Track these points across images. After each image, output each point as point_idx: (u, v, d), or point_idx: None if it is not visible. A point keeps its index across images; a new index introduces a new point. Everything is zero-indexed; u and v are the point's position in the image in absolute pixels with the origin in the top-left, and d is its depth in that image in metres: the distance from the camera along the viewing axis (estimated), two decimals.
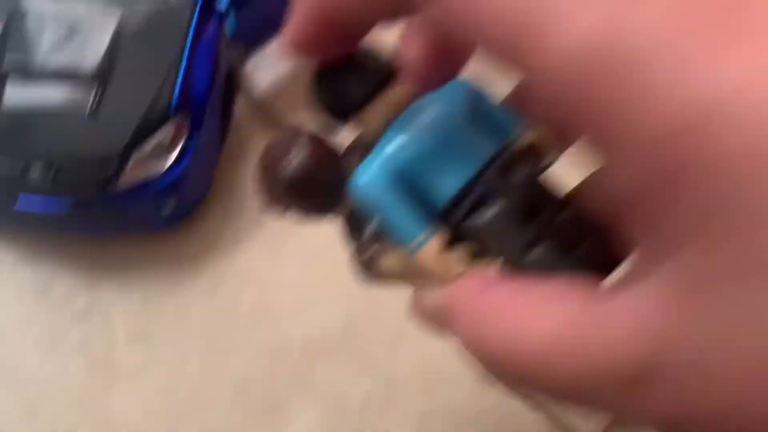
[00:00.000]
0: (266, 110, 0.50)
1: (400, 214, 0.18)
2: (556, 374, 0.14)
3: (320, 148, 0.19)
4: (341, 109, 0.19)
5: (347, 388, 0.41)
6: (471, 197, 0.17)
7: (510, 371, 0.15)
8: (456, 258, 0.17)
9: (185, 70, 0.40)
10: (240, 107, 0.50)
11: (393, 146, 0.18)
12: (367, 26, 0.17)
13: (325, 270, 0.44)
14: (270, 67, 0.51)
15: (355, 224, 0.19)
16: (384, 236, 0.19)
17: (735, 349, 0.11)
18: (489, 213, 0.17)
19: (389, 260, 0.19)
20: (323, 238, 0.44)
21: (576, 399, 0.14)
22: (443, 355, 0.41)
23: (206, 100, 0.40)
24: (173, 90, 0.39)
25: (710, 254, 0.11)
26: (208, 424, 0.40)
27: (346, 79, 0.19)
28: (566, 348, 0.14)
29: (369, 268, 0.20)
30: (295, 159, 0.19)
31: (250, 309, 0.43)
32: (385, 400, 0.41)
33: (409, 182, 0.18)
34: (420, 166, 0.18)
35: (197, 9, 0.41)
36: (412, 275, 0.18)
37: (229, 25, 0.43)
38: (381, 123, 0.19)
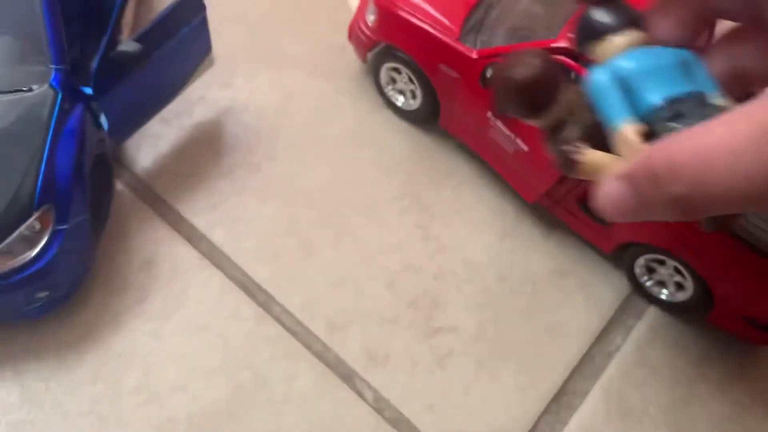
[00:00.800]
0: (147, 189, 0.50)
1: (613, 103, 0.26)
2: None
3: (545, 61, 0.27)
4: (596, 32, 0.28)
5: None
6: (669, 110, 0.24)
7: (729, 190, 0.21)
8: (640, 145, 0.24)
9: (48, 159, 0.40)
10: (121, 188, 0.50)
11: (621, 60, 0.26)
12: None
13: (208, 342, 0.45)
14: (150, 146, 0.52)
15: (557, 129, 0.28)
16: (583, 134, 0.27)
17: None
18: (682, 125, 0.24)
19: (588, 155, 0.27)
20: (206, 311, 0.46)
21: None
22: (330, 414, 0.43)
23: (72, 189, 0.41)
24: (36, 181, 0.40)
25: None
26: None
27: (607, 12, 0.28)
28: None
29: (568, 161, 0.27)
30: (527, 65, 0.27)
31: (134, 388, 0.43)
32: None
33: (625, 86, 0.26)
34: (636, 78, 0.26)
35: (59, 97, 0.42)
36: (601, 167, 0.26)
37: (97, 110, 0.44)
38: (619, 50, 0.27)
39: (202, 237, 0.49)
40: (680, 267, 0.45)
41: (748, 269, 0.42)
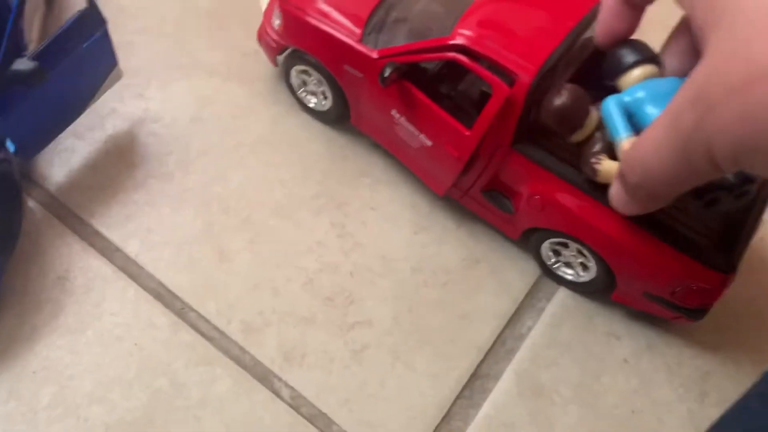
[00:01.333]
0: (60, 205, 0.51)
1: (617, 123, 0.39)
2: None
3: (576, 93, 0.41)
4: (621, 67, 0.40)
5: None
6: None
7: (661, 173, 0.33)
8: None
9: None
10: (33, 205, 0.50)
11: (635, 89, 0.39)
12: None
13: (124, 352, 0.45)
14: (63, 161, 0.52)
15: (588, 144, 0.42)
16: (603, 149, 0.41)
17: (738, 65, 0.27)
18: None
19: (604, 164, 0.41)
20: (121, 322, 0.46)
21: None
22: (248, 416, 0.44)
23: None
24: None
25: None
26: None
27: (630, 50, 0.40)
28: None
29: (592, 169, 0.41)
30: (561, 97, 0.41)
31: (50, 404, 0.43)
32: None
33: (630, 111, 0.39)
34: (644, 102, 0.39)
35: None
36: (613, 172, 0.40)
37: (2, 130, 0.44)
38: (637, 81, 0.40)
39: (117, 249, 0.49)
40: (582, 248, 0.47)
41: (644, 248, 0.44)
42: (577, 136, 0.43)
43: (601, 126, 0.42)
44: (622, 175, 0.38)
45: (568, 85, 0.42)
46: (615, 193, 0.39)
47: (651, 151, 0.33)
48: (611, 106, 0.40)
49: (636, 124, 0.40)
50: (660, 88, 0.40)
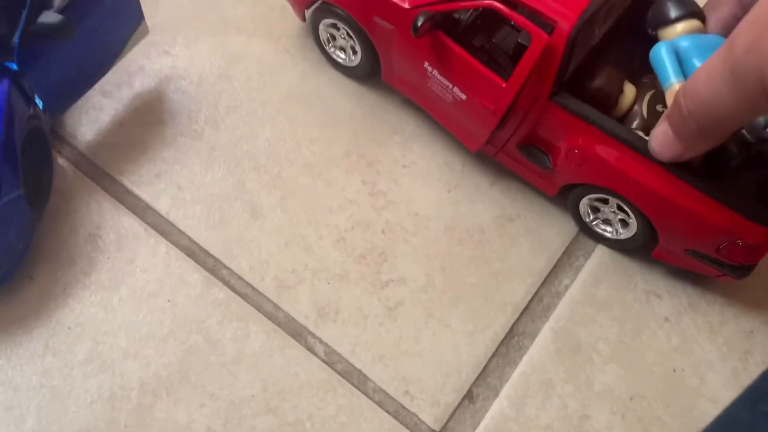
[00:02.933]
0: (90, 163, 0.50)
1: (667, 67, 0.40)
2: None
3: (609, 74, 0.44)
4: (666, 18, 0.42)
5: (189, 419, 0.42)
6: None
7: (712, 101, 0.34)
8: None
9: None
10: (63, 163, 0.50)
11: (680, 40, 0.41)
12: None
13: (157, 309, 0.45)
14: (91, 119, 0.52)
15: (627, 121, 0.45)
16: (639, 126, 0.44)
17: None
18: None
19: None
20: (153, 279, 0.46)
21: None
22: (282, 372, 0.44)
23: (1, 167, 0.40)
24: None
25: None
26: None
27: (676, 4, 0.42)
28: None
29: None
30: (596, 79, 0.44)
31: (85, 359, 0.43)
32: (229, 424, 0.42)
33: (679, 57, 0.40)
34: (689, 53, 0.40)
35: None
36: None
37: (27, 86, 0.44)
38: (680, 34, 0.41)
39: (148, 207, 0.49)
40: (622, 204, 0.46)
41: (689, 203, 0.42)
42: (618, 112, 0.44)
43: (637, 101, 0.44)
44: (670, 114, 0.37)
45: (602, 67, 0.44)
46: (660, 133, 0.39)
47: (705, 78, 0.34)
48: (663, 51, 0.40)
49: (685, 70, 0.40)
50: (705, 42, 0.40)
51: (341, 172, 0.51)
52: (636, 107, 0.44)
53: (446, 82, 0.47)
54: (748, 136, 0.42)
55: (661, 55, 0.40)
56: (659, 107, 0.44)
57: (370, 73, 0.53)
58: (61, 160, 0.50)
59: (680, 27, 0.41)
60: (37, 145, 0.46)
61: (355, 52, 0.53)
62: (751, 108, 0.32)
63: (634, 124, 0.44)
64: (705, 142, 0.37)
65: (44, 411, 0.42)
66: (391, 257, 0.48)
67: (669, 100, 0.39)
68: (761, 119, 0.43)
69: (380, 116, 0.53)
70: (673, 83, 0.39)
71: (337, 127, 0.53)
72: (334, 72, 0.55)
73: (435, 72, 0.48)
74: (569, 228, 0.50)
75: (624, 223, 0.47)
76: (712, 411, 0.45)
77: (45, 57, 0.44)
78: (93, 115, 0.52)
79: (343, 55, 0.54)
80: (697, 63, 0.40)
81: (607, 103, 0.44)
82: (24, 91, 0.44)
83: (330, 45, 0.54)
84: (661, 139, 0.39)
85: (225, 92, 0.54)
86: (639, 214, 0.45)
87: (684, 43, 0.41)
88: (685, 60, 0.41)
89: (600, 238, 0.49)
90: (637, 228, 0.46)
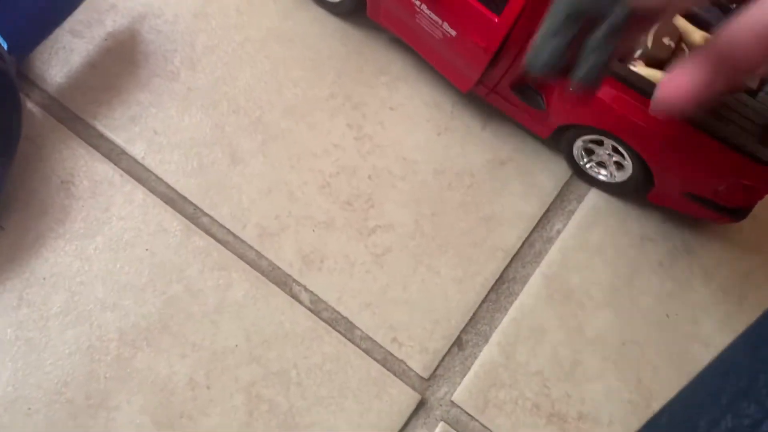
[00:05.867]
0: (61, 107, 0.48)
1: None
2: None
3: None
4: None
5: (171, 370, 0.41)
6: None
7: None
8: None
9: None
10: (32, 107, 0.47)
11: None
12: None
13: (135, 258, 0.44)
14: (61, 61, 0.49)
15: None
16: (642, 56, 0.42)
17: None
18: None
19: (639, 69, 0.42)
20: (131, 227, 0.44)
21: None
22: (266, 321, 0.42)
23: None
24: None
25: None
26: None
27: None
28: None
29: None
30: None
31: (61, 310, 0.42)
32: (212, 374, 0.41)
33: None
34: None
35: None
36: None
37: None
38: None
39: (122, 152, 0.47)
40: (618, 146, 0.44)
41: (687, 143, 0.41)
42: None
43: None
44: (704, 50, 0.34)
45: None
46: (678, 76, 0.36)
47: (745, 20, 0.30)
48: None
49: None
50: None
51: (325, 115, 0.49)
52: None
53: (435, 18, 0.45)
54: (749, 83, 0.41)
55: None
56: (666, 40, 0.41)
57: (354, 9, 0.50)
58: (30, 105, 0.48)
59: None
60: (4, 89, 0.43)
61: None
62: None
63: (637, 54, 0.42)
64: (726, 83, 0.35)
65: (20, 364, 0.40)
66: (378, 203, 0.46)
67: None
68: None
69: (366, 55, 0.51)
70: None
71: (320, 67, 0.50)
72: (317, 9, 0.52)
73: (423, 7, 0.45)
74: (562, 171, 0.48)
75: (619, 166, 0.46)
76: (705, 355, 0.44)
77: None
78: (63, 57, 0.49)
79: None
80: None
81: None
82: None
83: None
84: (679, 81, 0.35)
85: (202, 31, 0.51)
86: (635, 156, 0.43)
87: None
88: None
89: (594, 182, 0.48)
90: (633, 171, 0.45)
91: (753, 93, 0.43)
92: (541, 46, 0.32)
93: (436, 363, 0.43)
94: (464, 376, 0.43)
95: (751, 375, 0.23)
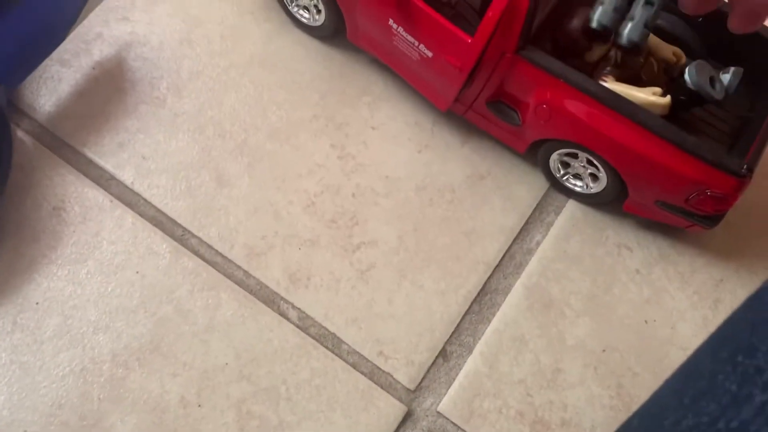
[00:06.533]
0: (51, 135, 0.49)
1: None
2: None
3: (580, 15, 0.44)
4: None
5: (163, 390, 0.42)
6: None
7: None
8: None
9: None
10: (22, 136, 0.48)
11: None
12: None
13: (126, 280, 0.45)
14: (50, 90, 0.50)
15: (601, 65, 0.46)
16: (611, 71, 0.46)
17: None
18: None
19: (609, 84, 0.44)
20: (121, 251, 0.45)
21: None
22: (255, 338, 0.44)
23: None
24: None
25: None
26: None
27: None
28: None
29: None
30: (573, 20, 0.44)
31: (55, 334, 0.43)
32: (203, 392, 0.42)
33: None
34: None
35: None
36: None
37: None
38: None
39: (111, 178, 0.48)
40: (592, 158, 0.45)
41: (657, 154, 0.42)
42: (591, 56, 0.44)
43: (612, 47, 0.44)
44: None
45: (581, 9, 0.43)
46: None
47: None
48: None
49: None
50: None
51: (309, 136, 0.50)
52: (611, 53, 0.44)
53: (412, 40, 0.46)
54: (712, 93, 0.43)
55: None
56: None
57: (335, 32, 0.52)
58: (20, 133, 0.49)
59: None
60: (2, 119, 0.45)
61: (318, 11, 0.52)
62: None
63: (607, 70, 0.44)
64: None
65: (15, 387, 0.41)
66: (362, 220, 0.48)
67: None
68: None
69: (348, 77, 0.52)
70: None
71: (303, 90, 0.52)
72: (299, 32, 0.54)
73: (400, 29, 0.47)
74: (540, 184, 0.50)
75: (594, 177, 0.47)
76: (683, 359, 0.45)
77: None
78: (51, 86, 0.51)
79: (306, 15, 0.53)
80: None
81: (575, 49, 0.44)
82: None
83: (293, 4, 0.53)
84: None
85: (187, 57, 0.52)
86: (608, 168, 0.45)
87: None
88: None
89: (571, 193, 0.49)
90: (607, 181, 0.46)
91: (719, 104, 0.44)
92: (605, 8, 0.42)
93: (421, 375, 0.44)
94: (449, 386, 0.44)
95: (711, 376, 0.24)
